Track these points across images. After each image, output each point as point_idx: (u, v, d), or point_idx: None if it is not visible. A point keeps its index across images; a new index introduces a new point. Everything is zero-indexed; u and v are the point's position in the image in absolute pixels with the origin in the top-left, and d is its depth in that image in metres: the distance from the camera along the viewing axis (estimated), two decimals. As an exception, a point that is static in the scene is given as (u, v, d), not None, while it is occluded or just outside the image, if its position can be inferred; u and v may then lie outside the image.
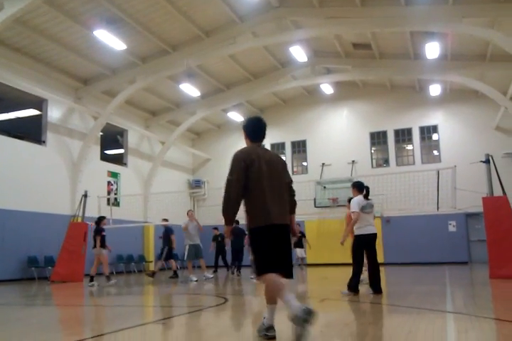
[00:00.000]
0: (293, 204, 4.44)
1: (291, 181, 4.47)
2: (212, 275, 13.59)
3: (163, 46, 16.99)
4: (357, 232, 7.93)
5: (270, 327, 3.94)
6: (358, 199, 7.96)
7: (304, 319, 3.43)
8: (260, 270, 3.99)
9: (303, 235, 17.54)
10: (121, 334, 4.83)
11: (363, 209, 7.85)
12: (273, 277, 3.88)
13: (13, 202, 15.10)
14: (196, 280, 12.35)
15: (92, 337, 4.47)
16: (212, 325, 5.40)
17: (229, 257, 16.32)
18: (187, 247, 12.93)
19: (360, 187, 8.06)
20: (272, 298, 3.96)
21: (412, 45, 17.56)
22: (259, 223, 4.04)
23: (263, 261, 3.98)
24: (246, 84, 21.45)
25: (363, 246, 7.93)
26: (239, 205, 4.10)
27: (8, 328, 5.31)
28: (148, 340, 4.57)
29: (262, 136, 4.40)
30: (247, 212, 4.14)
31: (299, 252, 17.83)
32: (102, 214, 14.70)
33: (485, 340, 3.90)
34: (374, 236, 8.00)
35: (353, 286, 7.90)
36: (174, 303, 8.06)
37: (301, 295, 8.99)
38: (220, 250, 17.17)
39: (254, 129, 4.41)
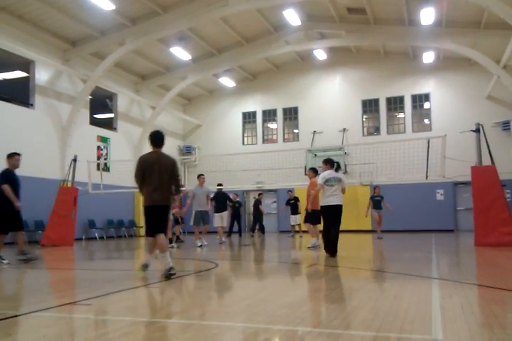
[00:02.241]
0: (177, 192, 6.54)
1: (178, 175, 6.39)
2: (205, 243, 13.46)
3: (153, 7, 16.51)
4: (320, 203, 8.89)
5: (147, 265, 6.40)
6: (325, 173, 8.87)
7: (166, 271, 5.88)
8: (146, 232, 6.42)
9: (297, 200, 17.59)
10: (111, 297, 4.89)
11: (326, 182, 8.71)
12: (149, 240, 6.40)
13: (2, 166, 14.93)
14: (200, 246, 12.33)
15: (83, 300, 4.53)
16: (196, 289, 5.49)
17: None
18: (193, 213, 12.64)
19: (331, 163, 9.00)
20: (149, 251, 6.54)
21: (407, 10, 17.24)
22: (145, 204, 6.30)
23: (146, 228, 6.40)
24: (238, 48, 21.04)
25: (325, 215, 8.78)
26: (142, 188, 6.33)
27: (0, 291, 5.36)
28: (137, 303, 4.64)
29: (161, 144, 6.44)
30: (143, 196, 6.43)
31: (293, 219, 17.91)
32: (92, 179, 14.66)
33: (468, 305, 4.01)
34: (334, 207, 8.64)
35: (326, 249, 8.77)
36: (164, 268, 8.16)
37: (289, 260, 9.14)
38: (236, 216, 18.16)
39: (154, 140, 6.41)
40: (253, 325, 3.46)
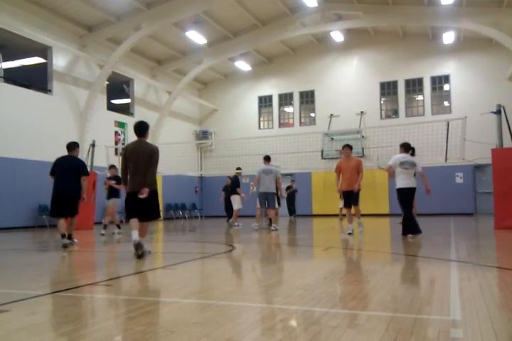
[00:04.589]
0: (152, 178, 6.67)
1: (154, 163, 6.56)
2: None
3: (168, -9, 16.42)
4: (399, 186, 9.00)
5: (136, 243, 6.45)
6: (399, 156, 9.02)
7: (135, 247, 6.23)
8: (126, 216, 6.86)
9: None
10: (131, 278, 4.98)
11: (400, 164, 8.83)
12: (131, 220, 6.55)
13: (23, 151, 15.20)
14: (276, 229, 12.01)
15: (103, 281, 4.62)
16: (211, 271, 5.56)
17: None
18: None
19: (406, 147, 9.18)
20: (132, 227, 6.46)
21: (426, -11, 16.85)
22: (129, 190, 6.63)
23: (127, 211, 6.73)
24: (253, 31, 20.84)
25: (404, 196, 9.00)
26: (126, 176, 6.70)
27: (22, 272, 5.48)
28: (156, 284, 4.72)
29: (142, 134, 6.73)
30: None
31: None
32: (110, 163, 14.80)
33: (487, 287, 3.98)
34: (412, 189, 9.03)
35: (409, 229, 8.98)
36: (182, 250, 8.26)
37: (307, 243, 9.17)
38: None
39: (137, 129, 6.74)
40: (270, 305, 3.49)
